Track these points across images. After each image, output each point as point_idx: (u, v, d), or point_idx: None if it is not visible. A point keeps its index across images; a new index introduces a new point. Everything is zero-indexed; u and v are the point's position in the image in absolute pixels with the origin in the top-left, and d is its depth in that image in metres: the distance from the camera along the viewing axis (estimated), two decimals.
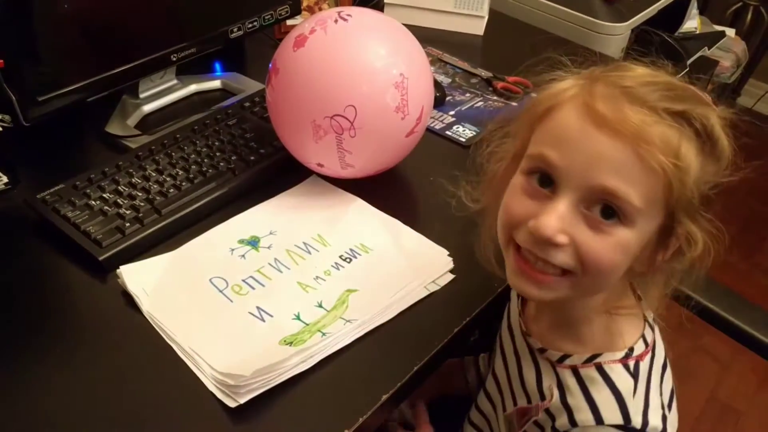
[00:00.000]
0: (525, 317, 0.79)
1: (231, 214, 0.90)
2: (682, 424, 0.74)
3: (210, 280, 0.82)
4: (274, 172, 0.96)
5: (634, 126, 0.58)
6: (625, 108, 0.59)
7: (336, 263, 0.85)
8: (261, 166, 0.95)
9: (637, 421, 0.66)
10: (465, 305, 0.81)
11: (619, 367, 0.69)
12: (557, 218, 0.61)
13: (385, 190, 0.95)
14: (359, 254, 0.86)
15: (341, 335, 0.75)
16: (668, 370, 0.73)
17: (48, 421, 0.68)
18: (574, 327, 0.71)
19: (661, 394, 0.70)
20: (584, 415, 0.68)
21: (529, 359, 0.76)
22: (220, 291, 0.80)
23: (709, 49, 1.89)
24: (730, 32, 2.11)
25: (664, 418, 0.69)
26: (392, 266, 0.84)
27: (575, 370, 0.70)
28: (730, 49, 2.05)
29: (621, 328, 0.70)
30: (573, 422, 0.69)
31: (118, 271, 0.80)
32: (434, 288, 0.82)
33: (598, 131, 0.59)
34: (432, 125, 1.08)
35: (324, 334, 0.75)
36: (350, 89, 0.83)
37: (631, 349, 0.69)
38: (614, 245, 0.61)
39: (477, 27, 1.35)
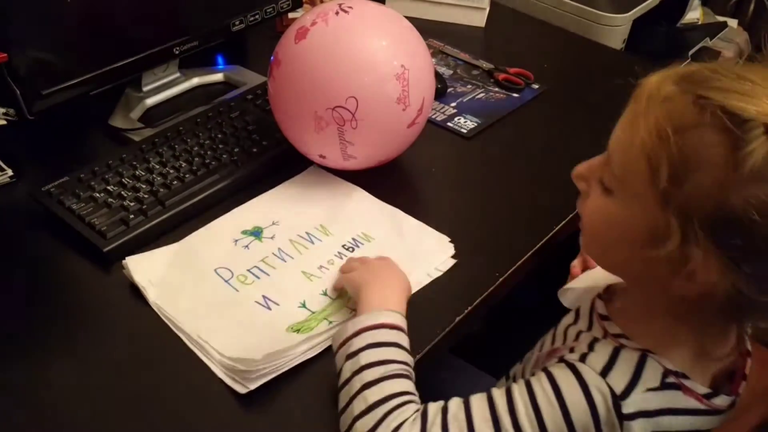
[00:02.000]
0: (611, 288, 0.74)
1: (234, 206, 0.91)
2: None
3: (215, 270, 0.82)
4: (277, 163, 0.96)
5: (648, 93, 0.57)
6: (667, 82, 0.57)
7: (339, 252, 0.85)
8: (263, 158, 0.96)
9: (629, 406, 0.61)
10: (467, 293, 0.81)
11: (660, 367, 0.62)
12: (585, 165, 0.65)
13: (387, 181, 0.96)
14: (362, 243, 0.87)
15: None
16: None
17: (55, 411, 0.69)
18: (642, 316, 0.67)
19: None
20: (596, 362, 0.63)
21: (587, 318, 0.72)
22: (226, 281, 0.81)
23: (711, 40, 1.88)
24: (733, 23, 2.10)
25: None
26: (395, 254, 0.84)
27: (622, 346, 0.64)
28: (732, 40, 2.04)
29: (692, 359, 0.64)
30: (583, 358, 0.64)
31: (123, 262, 0.81)
32: (437, 274, 0.82)
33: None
34: (433, 117, 1.08)
35: (330, 322, 0.76)
36: (351, 81, 0.83)
37: (685, 376, 0.63)
38: (595, 207, 0.64)
39: (478, 18, 1.35)
